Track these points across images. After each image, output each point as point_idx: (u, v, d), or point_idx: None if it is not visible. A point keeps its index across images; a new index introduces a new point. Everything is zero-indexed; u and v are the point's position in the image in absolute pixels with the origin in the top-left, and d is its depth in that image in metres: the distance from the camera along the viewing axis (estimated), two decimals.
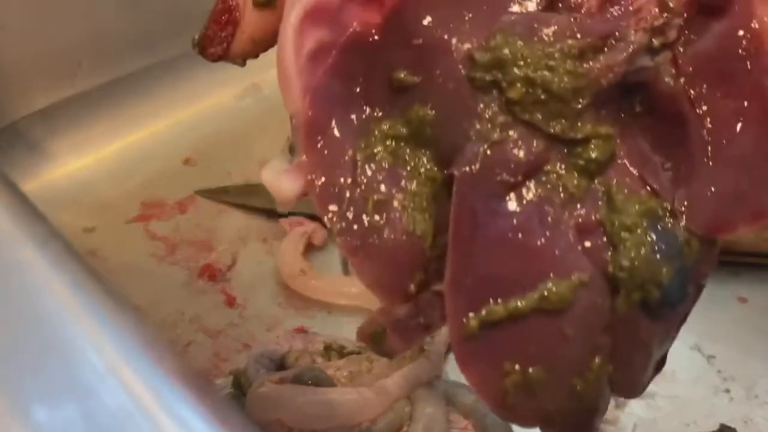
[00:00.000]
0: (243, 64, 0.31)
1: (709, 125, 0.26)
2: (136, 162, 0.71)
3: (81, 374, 0.27)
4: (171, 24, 0.71)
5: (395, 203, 0.27)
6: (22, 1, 0.64)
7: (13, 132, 0.68)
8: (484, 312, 0.26)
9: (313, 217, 0.64)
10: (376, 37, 0.27)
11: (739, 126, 0.26)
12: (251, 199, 0.68)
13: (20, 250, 0.30)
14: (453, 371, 0.54)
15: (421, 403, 0.50)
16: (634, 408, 0.54)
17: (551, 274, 0.25)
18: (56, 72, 0.69)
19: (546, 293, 0.25)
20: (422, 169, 0.27)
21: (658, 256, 0.26)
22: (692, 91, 0.26)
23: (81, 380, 0.26)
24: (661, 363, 0.28)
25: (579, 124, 0.26)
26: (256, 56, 0.30)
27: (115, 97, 0.72)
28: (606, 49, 0.26)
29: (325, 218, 0.27)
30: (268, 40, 0.30)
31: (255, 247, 0.65)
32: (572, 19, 0.26)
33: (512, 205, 0.26)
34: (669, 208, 0.26)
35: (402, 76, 0.27)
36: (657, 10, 0.26)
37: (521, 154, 0.26)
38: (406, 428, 0.50)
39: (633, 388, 0.28)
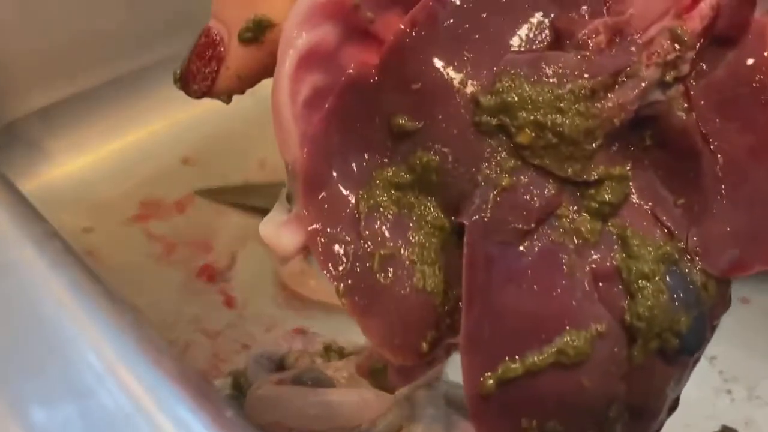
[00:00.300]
0: (228, 101, 0.29)
1: (723, 161, 0.25)
2: (134, 162, 0.70)
3: (79, 375, 0.26)
4: (170, 23, 0.71)
5: (402, 257, 0.26)
6: (21, 0, 0.64)
7: (11, 131, 0.68)
8: (500, 370, 0.25)
9: None
10: (374, 79, 0.26)
11: (753, 163, 0.25)
12: (250, 199, 0.67)
13: (18, 250, 0.30)
14: (453, 372, 0.53)
15: (422, 404, 0.50)
16: None
17: (568, 326, 0.25)
18: (55, 71, 0.69)
19: (564, 347, 0.25)
20: (429, 218, 0.26)
21: (676, 304, 0.25)
22: (705, 126, 0.25)
23: (79, 381, 0.26)
24: (675, 405, 0.28)
25: (592, 165, 0.25)
26: (242, 92, 0.28)
27: (113, 97, 0.72)
28: (617, 86, 0.24)
29: (329, 278, 0.26)
30: (255, 77, 0.28)
31: (254, 248, 0.65)
32: (581, 57, 0.25)
33: (526, 254, 0.25)
34: (684, 248, 0.25)
35: (402, 121, 0.26)
36: (669, 42, 0.24)
37: (533, 200, 0.25)
38: (406, 430, 0.50)
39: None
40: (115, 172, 0.70)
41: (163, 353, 0.28)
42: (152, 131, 0.72)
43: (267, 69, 0.27)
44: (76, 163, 0.70)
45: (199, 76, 0.28)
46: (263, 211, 0.72)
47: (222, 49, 0.27)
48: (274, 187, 0.68)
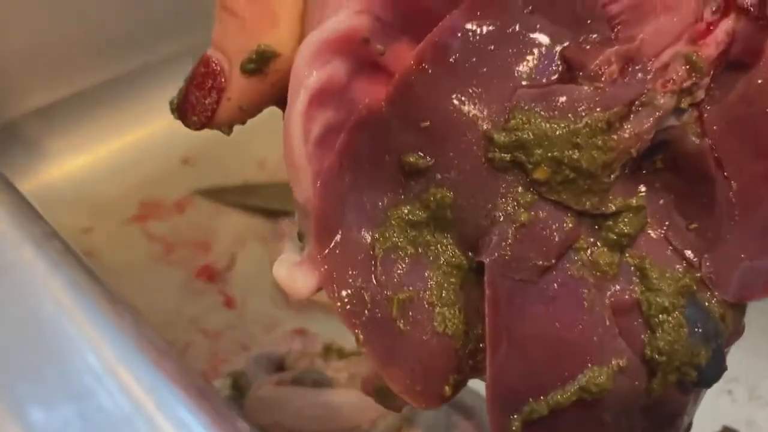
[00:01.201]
0: (229, 132, 0.28)
1: (736, 187, 0.25)
2: (134, 162, 0.70)
3: (79, 375, 0.26)
4: (169, 22, 0.71)
5: (421, 300, 0.25)
6: (21, 1, 0.64)
7: (10, 131, 0.68)
8: (526, 411, 0.24)
9: None
10: (384, 116, 0.25)
11: (766, 188, 0.25)
12: (250, 199, 0.67)
13: (18, 250, 0.30)
14: None
15: None
16: None
17: (590, 363, 0.24)
18: (54, 70, 0.69)
19: (586, 384, 0.24)
20: (446, 256, 0.25)
21: (696, 337, 0.25)
22: (718, 151, 0.25)
23: (79, 381, 0.26)
24: (688, 428, 0.27)
25: (610, 197, 0.25)
26: (243, 123, 0.27)
27: (113, 96, 0.71)
28: (632, 115, 0.24)
29: (348, 327, 0.25)
30: (257, 107, 0.27)
31: (254, 248, 0.65)
32: (594, 89, 0.24)
33: (547, 290, 0.24)
34: (701, 277, 0.25)
35: (413, 159, 0.25)
36: (684, 69, 0.24)
37: (553, 235, 0.24)
38: (406, 430, 0.50)
39: None
40: (114, 171, 0.70)
41: (163, 354, 0.28)
42: (152, 131, 0.72)
43: (270, 99, 0.27)
44: (75, 163, 0.70)
45: (199, 107, 0.27)
46: (263, 211, 0.71)
47: (223, 79, 0.26)
48: (274, 187, 0.68)
